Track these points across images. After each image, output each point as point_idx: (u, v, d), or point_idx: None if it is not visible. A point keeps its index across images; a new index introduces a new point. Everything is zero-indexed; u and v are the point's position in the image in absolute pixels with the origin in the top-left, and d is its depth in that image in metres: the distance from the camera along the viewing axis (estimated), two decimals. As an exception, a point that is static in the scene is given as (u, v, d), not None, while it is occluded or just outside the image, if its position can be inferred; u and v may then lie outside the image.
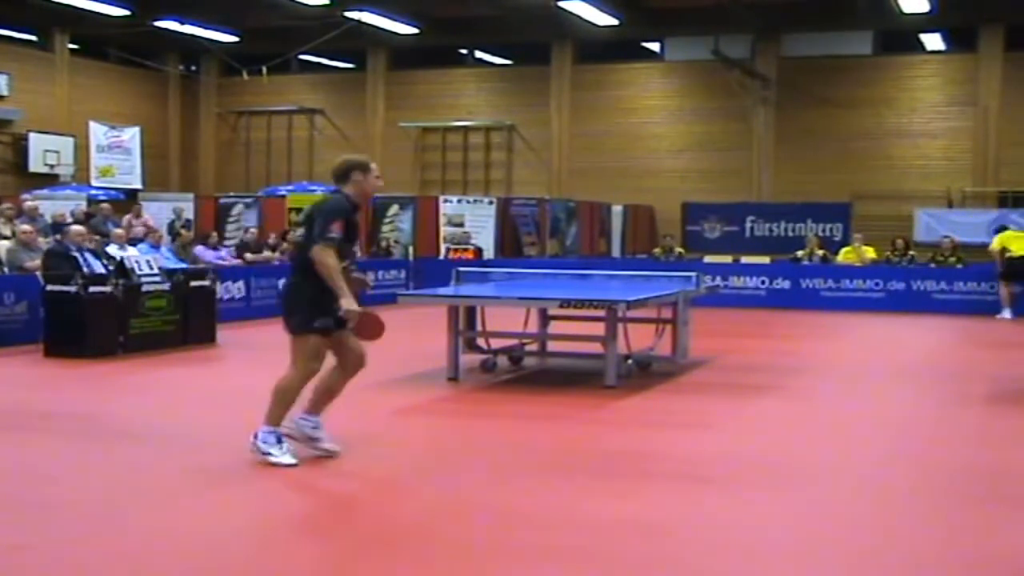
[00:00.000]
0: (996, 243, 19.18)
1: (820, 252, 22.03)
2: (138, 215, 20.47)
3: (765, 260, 23.55)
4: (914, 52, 27.62)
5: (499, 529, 5.82)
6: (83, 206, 21.87)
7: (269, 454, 6.94)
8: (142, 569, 5.07)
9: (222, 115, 33.05)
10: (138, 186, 29.45)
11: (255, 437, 7.01)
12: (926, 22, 25.80)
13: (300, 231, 7.26)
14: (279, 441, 7.00)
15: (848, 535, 5.74)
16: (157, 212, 23.54)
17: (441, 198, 25.77)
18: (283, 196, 26.51)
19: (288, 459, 6.93)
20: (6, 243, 15.17)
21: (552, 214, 25.81)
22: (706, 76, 27.86)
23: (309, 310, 7.02)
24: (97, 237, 16.09)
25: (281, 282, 17.57)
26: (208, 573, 5.05)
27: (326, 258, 6.87)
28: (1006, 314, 18.65)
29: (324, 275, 6.89)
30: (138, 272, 12.92)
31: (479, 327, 11.38)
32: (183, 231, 20.37)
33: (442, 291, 11.95)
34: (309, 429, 7.20)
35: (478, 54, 31.33)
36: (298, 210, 25.26)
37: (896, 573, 5.22)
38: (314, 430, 7.21)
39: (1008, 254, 18.75)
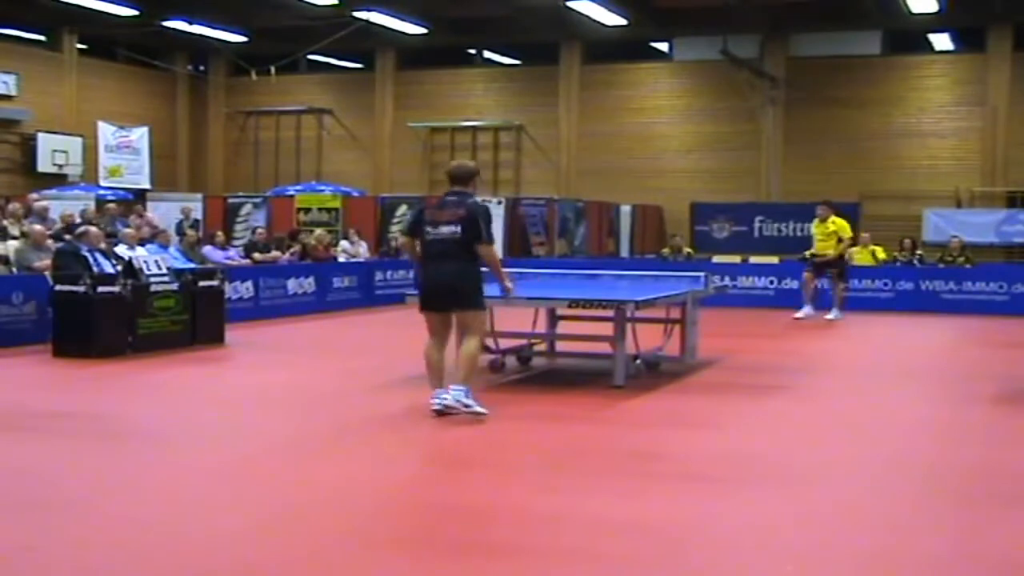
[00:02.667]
0: (849, 230, 18.21)
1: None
2: (140, 215, 20.51)
3: (774, 260, 23.52)
4: (923, 52, 27.59)
5: (505, 529, 5.82)
6: (91, 206, 21.90)
7: (470, 406, 8.45)
8: (149, 569, 5.07)
9: (231, 115, 33.09)
10: (146, 186, 29.48)
11: (446, 395, 8.48)
12: (935, 22, 25.80)
13: (452, 227, 8.62)
14: (469, 395, 8.51)
15: (855, 535, 5.72)
16: (165, 212, 23.57)
17: (449, 198, 25.73)
18: (292, 196, 26.56)
19: (481, 408, 8.48)
20: (15, 243, 15.20)
21: (561, 214, 25.80)
22: (714, 76, 27.84)
23: (481, 290, 8.78)
24: (108, 237, 16.13)
25: (290, 282, 17.80)
26: (212, 572, 5.05)
27: (495, 254, 9.08)
28: (808, 310, 17.80)
29: (492, 265, 8.96)
30: (147, 272, 12.92)
31: (488, 327, 11.34)
32: (190, 231, 20.39)
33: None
34: (463, 397, 8.53)
35: (487, 54, 31.33)
36: (306, 210, 25.38)
37: (904, 574, 5.20)
38: (466, 397, 8.54)
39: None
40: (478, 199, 9.12)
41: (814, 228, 18.23)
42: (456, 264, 8.60)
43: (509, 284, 9.22)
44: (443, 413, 8.52)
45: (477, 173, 9.17)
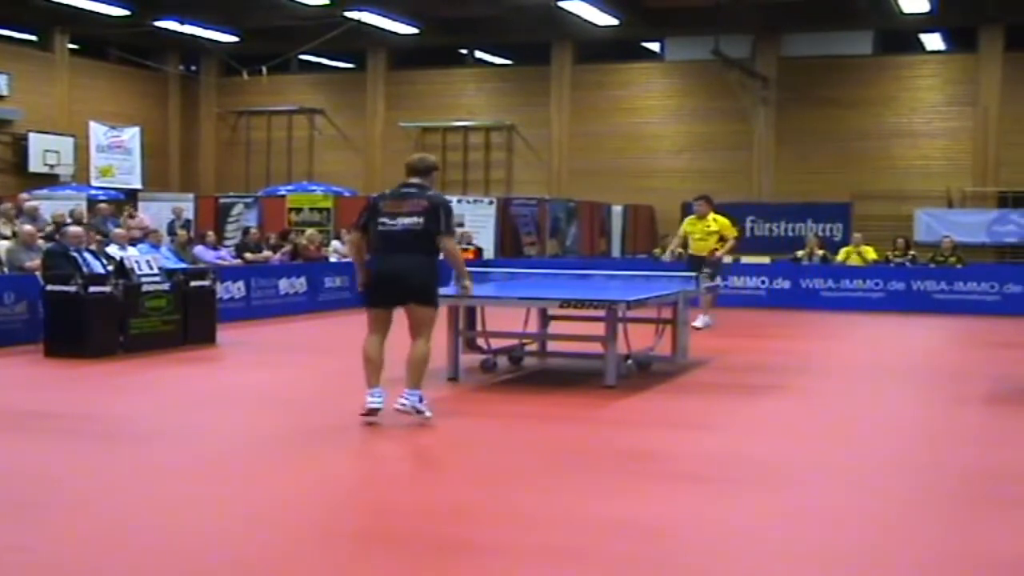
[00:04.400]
0: (733, 228, 16.47)
1: (820, 252, 22.04)
2: (131, 216, 20.47)
3: (765, 260, 23.53)
4: (914, 52, 27.67)
5: (498, 529, 5.82)
6: (83, 206, 21.86)
7: (422, 412, 8.24)
8: (143, 569, 5.07)
9: (222, 115, 33.06)
10: (138, 186, 29.46)
11: (404, 400, 8.18)
12: (926, 22, 25.87)
13: (413, 219, 8.21)
14: (422, 400, 8.29)
15: (848, 536, 5.73)
16: (157, 212, 23.55)
17: (441, 198, 25.71)
18: (283, 196, 26.55)
19: (429, 412, 8.30)
20: (6, 243, 15.16)
21: (552, 214, 25.83)
22: (706, 76, 27.88)
23: (436, 286, 8.40)
24: (99, 237, 16.09)
25: (282, 282, 17.78)
26: (202, 571, 5.05)
27: (456, 247, 8.57)
28: (698, 322, 15.30)
29: (454, 260, 8.54)
30: (138, 272, 12.90)
31: (479, 327, 11.36)
32: (181, 231, 20.36)
33: (442, 291, 11.92)
34: (418, 403, 8.30)
35: (478, 54, 31.35)
36: (298, 210, 25.37)
37: (896, 575, 5.21)
38: (420, 402, 8.31)
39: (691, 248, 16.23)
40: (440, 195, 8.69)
41: (687, 226, 16.47)
42: (414, 257, 8.15)
43: (468, 283, 8.69)
44: (378, 411, 8.22)
45: (437, 168, 8.79)
